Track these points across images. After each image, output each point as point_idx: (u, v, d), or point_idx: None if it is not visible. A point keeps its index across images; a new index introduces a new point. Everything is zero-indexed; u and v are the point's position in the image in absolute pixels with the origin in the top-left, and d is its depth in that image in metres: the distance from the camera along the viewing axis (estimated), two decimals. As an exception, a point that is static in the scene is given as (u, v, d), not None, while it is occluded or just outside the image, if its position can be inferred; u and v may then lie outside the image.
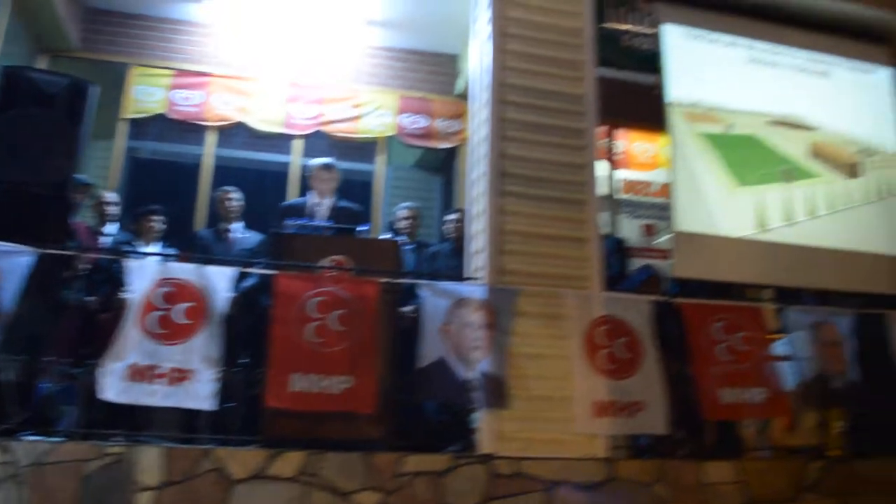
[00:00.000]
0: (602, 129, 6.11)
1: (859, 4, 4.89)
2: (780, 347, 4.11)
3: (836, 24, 5.11)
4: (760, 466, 3.82)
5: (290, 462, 2.89)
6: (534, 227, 3.76)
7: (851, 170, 4.80)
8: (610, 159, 6.04)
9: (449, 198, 5.79)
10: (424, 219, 5.56)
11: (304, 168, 4.61)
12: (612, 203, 6.08)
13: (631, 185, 6.27)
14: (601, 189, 6.20)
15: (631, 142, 6.15)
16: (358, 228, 4.20)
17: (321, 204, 4.19)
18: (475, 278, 3.77)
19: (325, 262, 3.45)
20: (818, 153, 4.75)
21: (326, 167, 4.44)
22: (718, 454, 3.82)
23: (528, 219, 3.76)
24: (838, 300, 4.63)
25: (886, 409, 4.27)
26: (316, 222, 4.06)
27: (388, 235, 4.99)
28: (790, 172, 4.51)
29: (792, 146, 4.55)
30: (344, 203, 4.54)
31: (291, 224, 3.90)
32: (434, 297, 3.51)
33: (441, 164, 5.65)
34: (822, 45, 4.99)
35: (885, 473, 3.97)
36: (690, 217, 4.08)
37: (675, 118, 4.24)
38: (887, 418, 4.30)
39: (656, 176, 5.79)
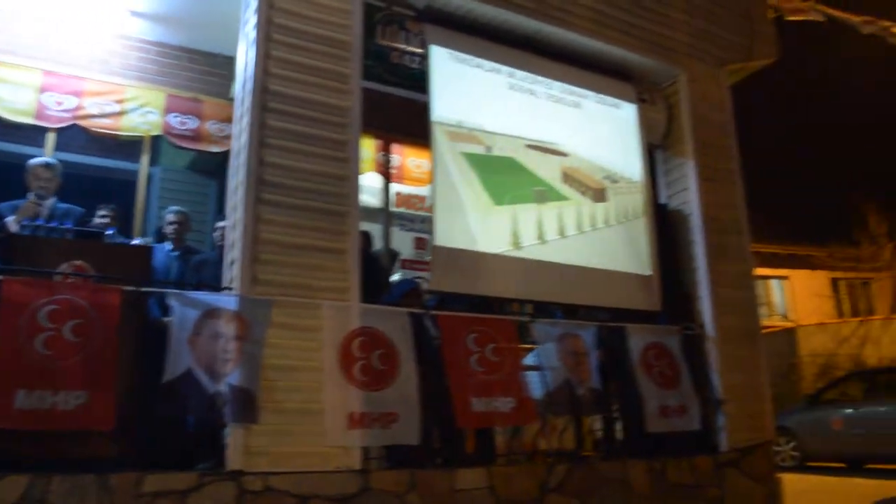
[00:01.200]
0: (378, 143, 6.69)
1: (608, 44, 5.84)
2: (530, 358, 4.88)
3: (588, 60, 6.03)
4: (510, 471, 4.45)
5: (12, 486, 2.92)
6: (292, 238, 4.13)
7: (598, 194, 5.71)
8: (385, 173, 6.71)
9: (224, 203, 6.19)
10: (198, 224, 5.75)
11: (24, 167, 4.49)
12: (387, 216, 6.74)
13: (405, 199, 6.99)
14: (376, 201, 7.08)
15: (406, 156, 6.87)
16: (108, 232, 4.38)
17: (42, 205, 4.18)
18: (229, 288, 4.03)
19: (64, 267, 3.57)
20: (569, 177, 5.59)
21: (47, 166, 4.48)
22: (474, 461, 4.49)
23: (287, 228, 4.13)
24: (586, 315, 5.49)
25: (626, 414, 5.50)
26: (53, 224, 4.14)
27: (147, 240, 5.15)
28: (544, 194, 5.11)
29: (546, 169, 5.19)
30: (64, 205, 4.55)
31: (27, 225, 4.02)
32: (183, 308, 3.68)
33: (216, 168, 6.00)
34: (574, 78, 5.86)
35: (621, 473, 4.82)
36: (450, 233, 4.78)
37: (439, 136, 4.86)
38: (626, 423, 5.51)
39: (429, 191, 6.64)
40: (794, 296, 18.23)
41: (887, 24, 8.27)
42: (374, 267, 5.36)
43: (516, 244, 4.72)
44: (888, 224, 16.57)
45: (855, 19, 8.70)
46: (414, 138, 6.16)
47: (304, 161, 4.29)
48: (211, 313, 3.76)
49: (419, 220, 7.01)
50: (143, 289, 3.40)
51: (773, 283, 18.36)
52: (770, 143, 17.17)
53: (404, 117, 5.68)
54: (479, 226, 5.01)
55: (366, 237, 5.44)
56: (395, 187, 7.00)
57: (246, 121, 4.26)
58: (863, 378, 9.40)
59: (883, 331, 13.59)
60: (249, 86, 4.29)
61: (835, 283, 18.39)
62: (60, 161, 4.51)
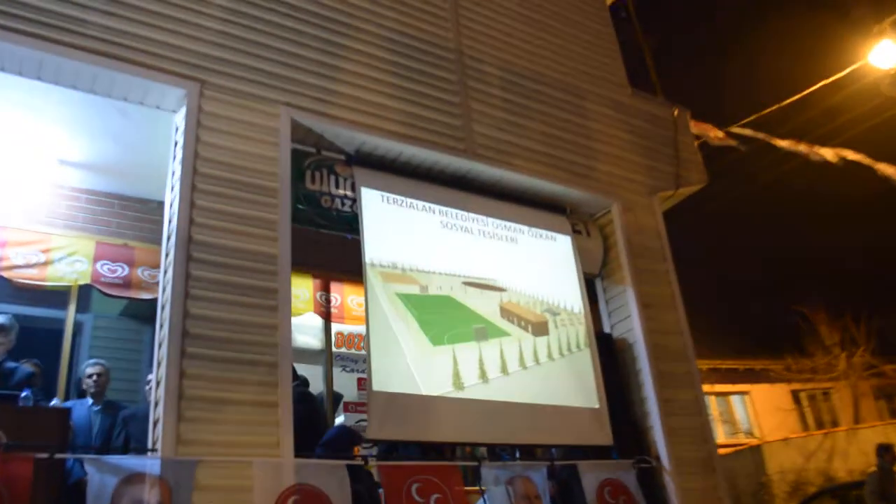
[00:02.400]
0: (317, 282, 6.75)
1: (539, 179, 5.82)
2: (479, 504, 4.71)
3: (520, 195, 6.23)
4: None
5: None
6: (219, 392, 4.06)
7: (540, 328, 5.80)
8: (325, 313, 6.73)
9: (158, 352, 6.07)
10: (133, 374, 5.61)
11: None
12: (328, 357, 6.72)
13: (346, 339, 6.94)
14: (316, 342, 7.03)
15: (346, 295, 6.93)
16: (22, 394, 4.14)
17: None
18: (153, 450, 3.90)
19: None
20: (509, 312, 5.69)
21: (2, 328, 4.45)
22: None
23: (214, 383, 4.07)
24: (543, 454, 5.48)
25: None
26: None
27: (63, 404, 4.92)
28: (483, 331, 5.18)
29: (485, 306, 5.28)
30: (11, 364, 4.48)
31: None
32: (100, 475, 3.54)
33: (151, 314, 5.93)
34: (508, 214, 6.05)
35: None
36: (388, 377, 4.76)
37: (373, 279, 5.00)
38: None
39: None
40: (756, 411, 18.32)
41: (806, 147, 8.89)
42: (314, 413, 5.25)
43: (458, 385, 4.71)
44: (839, 333, 17.03)
45: (780, 143, 9.33)
46: (354, 276, 6.23)
47: (231, 311, 4.29)
48: (131, 479, 3.60)
49: (362, 359, 6.96)
50: (58, 455, 3.33)
51: (735, 399, 18.48)
52: (712, 261, 17.81)
53: (342, 255, 5.76)
54: (419, 368, 5.01)
55: (303, 383, 5.35)
56: (335, 327, 6.99)
57: (171, 273, 4.26)
58: (834, 495, 9.31)
59: (848, 442, 13.63)
60: (174, 237, 4.33)
61: (795, 395, 18.59)
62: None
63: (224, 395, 4.02)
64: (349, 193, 5.02)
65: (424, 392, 4.48)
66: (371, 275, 4.81)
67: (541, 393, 5.09)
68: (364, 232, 4.91)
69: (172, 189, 4.52)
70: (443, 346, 4.88)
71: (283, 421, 4.12)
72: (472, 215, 5.49)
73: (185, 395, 3.93)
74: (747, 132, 9.26)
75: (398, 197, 5.13)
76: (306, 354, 6.55)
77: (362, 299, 6.64)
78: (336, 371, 6.93)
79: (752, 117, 9.37)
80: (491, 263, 5.50)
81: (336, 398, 6.49)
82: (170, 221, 4.40)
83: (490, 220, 5.62)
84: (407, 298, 4.93)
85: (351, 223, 4.90)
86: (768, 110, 9.52)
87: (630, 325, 6.25)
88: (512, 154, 5.66)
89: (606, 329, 6.35)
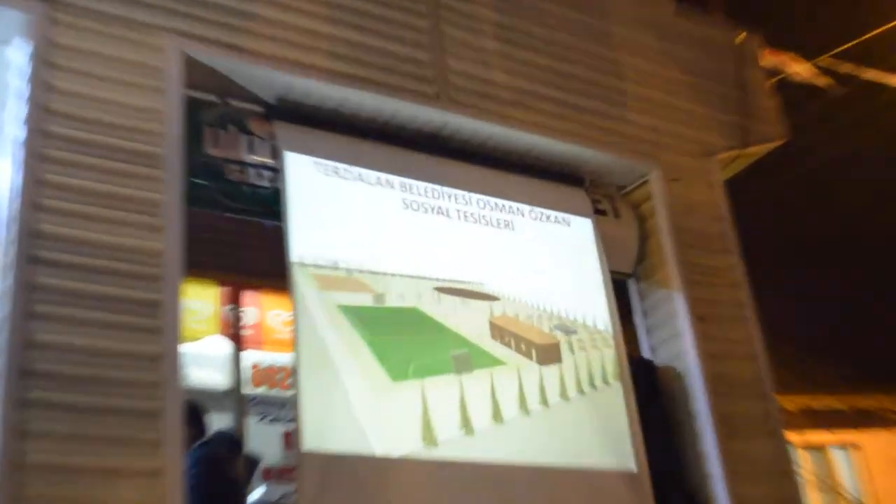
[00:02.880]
0: (224, 292, 6.74)
1: (545, 136, 5.83)
2: None
3: (519, 160, 5.93)
4: None
5: None
6: (75, 457, 4.02)
7: (547, 352, 5.60)
8: (235, 335, 6.76)
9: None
10: None
11: None
12: (239, 401, 6.70)
13: (266, 374, 7.04)
14: (222, 379, 7.00)
15: (265, 309, 6.95)
16: None
17: None
18: None
19: None
20: (502, 331, 5.69)
21: None
22: None
23: (67, 444, 4.02)
24: None
25: None
26: None
27: None
28: (465, 359, 5.18)
29: (468, 322, 5.31)
30: None
31: None
32: None
33: None
34: (502, 188, 5.79)
35: None
36: (325, 430, 4.45)
37: (303, 284, 4.79)
38: None
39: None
40: (868, 469, 18.46)
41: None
42: (222, 484, 5.26)
43: (430, 440, 4.74)
44: None
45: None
46: (276, 281, 6.27)
47: (94, 337, 4.26)
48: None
49: (289, 404, 6.99)
50: None
51: (837, 453, 18.59)
52: (799, 253, 17.92)
53: (260, 252, 5.89)
54: (372, 415, 4.99)
55: (219, 440, 5.58)
56: (249, 356, 6.98)
57: (4, 284, 4.23)
58: None
59: None
60: (14, 229, 4.30)
61: (925, 446, 18.76)
62: None
63: (82, 462, 4.00)
64: (269, 161, 5.06)
65: (380, 452, 4.55)
66: (301, 280, 4.90)
67: (551, 449, 5.18)
68: (290, 217, 5.00)
69: (5, 159, 4.48)
70: (407, 381, 5.02)
71: (171, 496, 4.13)
72: (448, 191, 5.66)
73: (26, 464, 3.90)
74: (846, 67, 9.33)
75: (340, 165, 5.30)
76: (206, 397, 6.49)
77: (289, 315, 6.66)
78: (251, 421, 6.92)
79: (852, 43, 9.44)
80: (476, 260, 5.67)
81: (250, 463, 6.43)
82: (6, 208, 4.37)
83: (475, 196, 5.78)
84: (354, 313, 5.04)
85: (271, 204, 4.94)
86: (876, 32, 9.58)
87: (679, 346, 6.35)
88: (505, 101, 5.73)
89: (645, 353, 6.48)
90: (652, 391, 6.21)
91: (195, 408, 5.55)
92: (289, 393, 7.06)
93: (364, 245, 5.33)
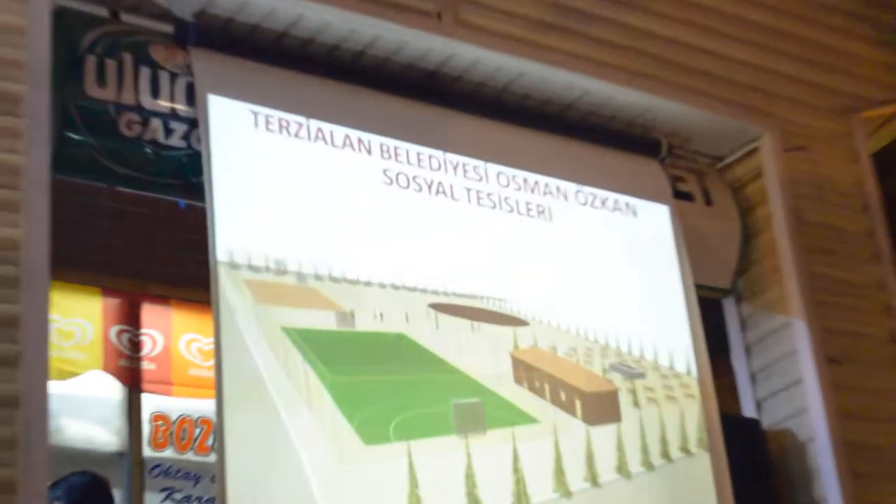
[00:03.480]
0: (113, 305, 6.86)
1: (602, 80, 5.97)
2: None
3: (562, 115, 6.35)
4: None
5: None
6: None
7: (598, 406, 5.93)
8: (128, 371, 6.91)
9: None
10: None
11: None
12: (133, 469, 6.82)
13: (174, 429, 7.17)
14: (110, 437, 7.06)
15: (175, 332, 7.12)
16: None
17: None
18: None
19: None
20: (531, 372, 5.80)
21: None
22: None
23: None
24: None
25: None
26: None
27: None
28: (475, 413, 5.33)
29: (479, 357, 5.46)
30: None
31: None
32: None
33: None
34: (534, 157, 6.12)
35: None
36: None
37: (232, 295, 4.82)
38: None
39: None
40: None
41: None
42: None
43: (421, 532, 4.88)
44: None
45: None
46: (191, 290, 6.44)
47: None
48: None
49: (209, 474, 7.14)
50: None
51: None
52: None
53: (172, 248, 6.21)
54: (331, 496, 5.13)
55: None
56: (151, 403, 7.05)
57: None
58: None
59: None
60: None
61: None
62: None
63: None
64: (182, 109, 5.22)
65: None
66: (231, 288, 4.97)
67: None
68: (215, 194, 5.07)
69: None
70: (386, 445, 5.12)
71: None
72: (453, 158, 5.81)
73: None
74: None
75: (291, 117, 5.38)
76: (90, 462, 6.62)
77: (210, 342, 6.80)
78: (151, 498, 7.02)
79: None
80: (494, 265, 5.81)
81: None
82: None
83: (493, 168, 5.91)
84: (309, 340, 5.14)
85: (187, 174, 5.27)
86: None
87: (800, 401, 6.43)
88: (538, 24, 5.87)
89: (747, 409, 6.59)
90: (757, 466, 6.28)
91: (96, 485, 5.74)
92: (208, 459, 7.16)
93: (325, 239, 5.43)
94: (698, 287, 6.54)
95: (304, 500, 5.17)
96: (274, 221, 5.62)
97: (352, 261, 5.77)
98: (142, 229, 6.39)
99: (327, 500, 5.20)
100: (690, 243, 6.48)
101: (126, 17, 5.70)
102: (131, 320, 6.82)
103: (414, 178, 6.09)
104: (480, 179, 6.22)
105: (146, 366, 6.85)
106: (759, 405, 6.59)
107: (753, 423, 6.50)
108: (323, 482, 5.22)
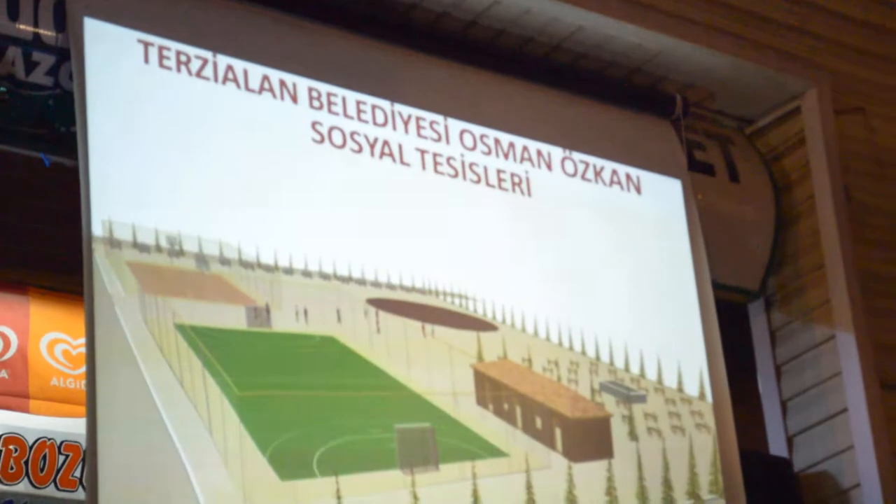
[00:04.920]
0: None
1: (602, 13, 6.18)
2: None
3: (549, 57, 6.48)
4: None
5: None
6: None
7: (584, 437, 5.96)
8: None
9: None
10: None
11: None
12: None
13: (29, 458, 6.97)
14: None
15: (34, 331, 6.93)
16: None
17: None
18: None
19: None
20: (499, 390, 5.81)
21: None
22: None
23: None
24: None
25: None
26: None
27: None
28: (423, 441, 5.57)
29: (432, 369, 5.57)
30: None
31: None
32: None
33: None
34: (509, 112, 6.15)
35: None
36: None
37: (110, 280, 4.92)
38: None
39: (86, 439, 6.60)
40: None
41: None
42: None
43: None
44: None
45: None
46: (61, 276, 6.42)
47: None
48: None
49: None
50: None
51: None
52: None
53: (28, 219, 6.25)
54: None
55: None
56: (1, 419, 7.07)
57: None
58: None
59: None
60: None
61: None
62: None
63: None
64: (49, 35, 5.46)
65: None
66: (108, 270, 5.01)
67: None
68: (92, 149, 5.11)
69: None
70: (309, 481, 5.22)
71: None
72: (403, 110, 5.85)
73: None
74: None
75: (191, 50, 5.44)
76: None
77: (79, 344, 6.76)
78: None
79: None
80: (454, 251, 5.90)
81: None
82: None
83: (456, 125, 5.97)
84: (211, 342, 5.20)
85: (54, 121, 5.25)
86: None
87: (844, 436, 6.47)
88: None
89: (776, 446, 6.63)
90: None
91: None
92: (75, 495, 7.14)
93: (235, 211, 5.48)
94: (717, 287, 6.55)
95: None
96: (168, 186, 5.60)
97: (269, 241, 5.75)
98: (24, 198, 6.42)
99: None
100: (709, 230, 6.49)
101: None
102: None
103: (352, 134, 6.07)
104: (439, 139, 6.21)
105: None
106: (790, 441, 6.58)
107: (783, 464, 6.51)
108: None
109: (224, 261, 5.57)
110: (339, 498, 5.43)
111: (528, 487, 5.89)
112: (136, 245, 5.37)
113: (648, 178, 6.34)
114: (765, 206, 6.34)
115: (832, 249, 6.17)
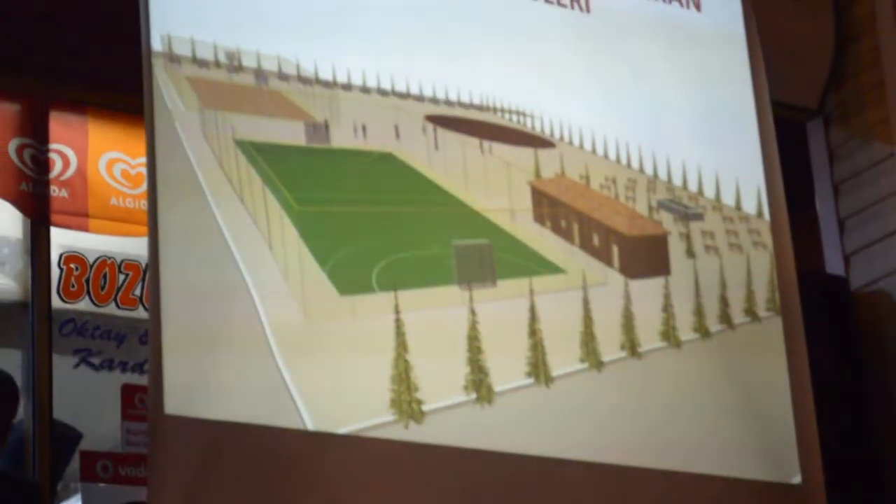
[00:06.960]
0: (15, 112, 6.82)
1: None
2: None
3: None
4: None
5: None
6: None
7: (642, 253, 6.00)
8: (32, 199, 6.81)
9: None
10: None
11: None
12: (38, 324, 6.69)
13: (91, 275, 7.32)
14: (9, 284, 7.07)
15: (93, 150, 7.09)
16: None
17: None
18: None
19: None
20: (556, 207, 5.85)
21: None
22: None
23: None
24: None
25: None
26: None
27: None
28: (482, 257, 5.47)
29: (490, 185, 5.66)
30: None
31: None
32: None
33: None
34: None
35: None
36: (210, 377, 4.96)
37: (170, 96, 4.82)
38: None
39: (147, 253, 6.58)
40: None
41: None
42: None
43: (410, 407, 4.93)
44: None
45: None
46: (119, 95, 6.41)
47: None
48: None
49: (136, 333, 7.18)
50: None
51: None
52: None
53: (85, 35, 6.20)
54: (297, 356, 5.20)
55: None
56: (62, 240, 7.09)
57: None
58: None
59: None
60: None
61: None
62: None
63: None
64: None
65: (314, 424, 4.77)
66: (167, 87, 5.03)
67: (637, 438, 5.40)
68: None
69: None
70: (368, 295, 5.25)
71: None
72: None
73: None
74: None
75: None
76: None
77: (138, 163, 6.79)
78: (61, 362, 7.05)
79: None
80: (511, 67, 5.85)
81: (68, 439, 6.61)
82: None
83: None
84: (271, 157, 5.25)
85: None
86: None
87: None
88: None
89: (833, 265, 6.68)
90: (842, 336, 6.38)
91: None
92: (135, 314, 7.18)
93: (294, 25, 5.50)
94: (776, 105, 6.47)
95: (261, 366, 5.16)
96: (226, 1, 5.66)
97: (327, 55, 5.73)
98: (48, 10, 6.14)
99: (290, 365, 5.21)
100: (768, 46, 6.39)
101: None
102: (35, 132, 6.65)
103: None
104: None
105: (55, 192, 6.68)
106: (847, 260, 6.61)
107: (840, 282, 6.55)
108: (285, 342, 5.24)
109: (283, 76, 5.55)
110: (397, 312, 5.42)
111: (585, 303, 5.90)
112: (196, 60, 5.36)
113: (716, 9, 6.29)
114: (825, 23, 6.25)
115: (892, 67, 6.10)
